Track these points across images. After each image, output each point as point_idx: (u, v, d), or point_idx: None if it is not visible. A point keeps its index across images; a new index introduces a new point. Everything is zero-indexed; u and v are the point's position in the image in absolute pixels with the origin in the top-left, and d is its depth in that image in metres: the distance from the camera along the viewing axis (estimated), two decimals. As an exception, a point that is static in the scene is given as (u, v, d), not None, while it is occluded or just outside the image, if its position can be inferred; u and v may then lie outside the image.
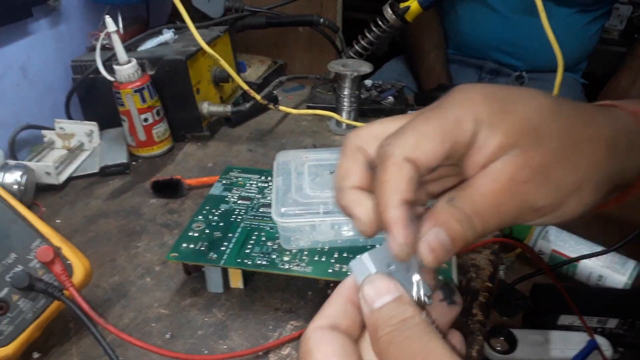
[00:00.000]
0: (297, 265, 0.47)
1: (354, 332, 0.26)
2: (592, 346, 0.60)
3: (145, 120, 0.70)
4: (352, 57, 0.82)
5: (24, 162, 0.63)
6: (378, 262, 0.26)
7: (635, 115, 0.30)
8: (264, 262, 0.47)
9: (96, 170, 0.70)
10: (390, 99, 0.83)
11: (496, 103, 0.26)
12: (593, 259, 0.73)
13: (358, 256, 0.26)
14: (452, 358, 0.22)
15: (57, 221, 0.61)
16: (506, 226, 0.27)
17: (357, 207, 0.27)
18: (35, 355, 0.44)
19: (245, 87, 0.74)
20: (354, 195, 0.27)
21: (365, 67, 0.74)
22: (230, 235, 0.50)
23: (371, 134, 0.28)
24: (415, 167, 0.25)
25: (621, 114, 0.30)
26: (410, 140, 0.25)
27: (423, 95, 0.84)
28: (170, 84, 0.73)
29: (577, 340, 0.62)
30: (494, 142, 0.25)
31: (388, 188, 0.24)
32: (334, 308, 0.26)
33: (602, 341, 0.62)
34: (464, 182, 0.26)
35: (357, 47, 0.82)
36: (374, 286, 0.25)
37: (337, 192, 0.28)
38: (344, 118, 0.77)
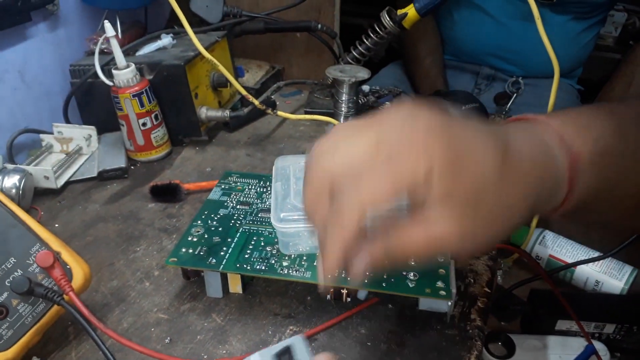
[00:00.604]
0: (296, 270, 0.47)
1: None
2: (589, 351, 0.60)
3: (144, 124, 0.71)
4: (350, 63, 0.82)
5: (22, 166, 0.63)
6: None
7: (572, 161, 0.33)
8: (263, 267, 0.47)
9: (94, 174, 0.70)
10: (388, 104, 0.83)
11: (451, 154, 0.27)
12: (590, 264, 0.73)
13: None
14: None
15: (56, 225, 0.61)
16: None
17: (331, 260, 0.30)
18: (35, 359, 0.44)
19: (244, 92, 0.74)
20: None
21: (363, 73, 0.74)
22: (229, 240, 0.50)
23: (335, 170, 0.30)
24: (363, 216, 0.28)
25: (558, 153, 0.32)
26: (365, 192, 0.28)
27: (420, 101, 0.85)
28: (168, 88, 0.73)
29: (575, 346, 0.62)
30: (439, 192, 0.27)
31: (336, 244, 0.29)
32: None
33: (599, 346, 0.62)
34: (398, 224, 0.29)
35: (354, 52, 0.82)
36: None
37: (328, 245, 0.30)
38: (341, 123, 0.78)
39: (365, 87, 0.87)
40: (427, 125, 0.28)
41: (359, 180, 0.28)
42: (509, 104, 1.21)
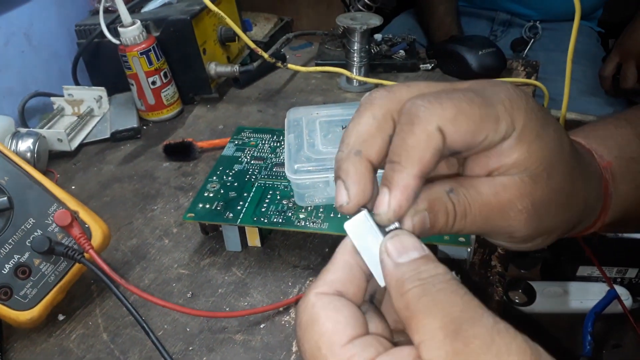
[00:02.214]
0: (313, 222, 0.47)
1: (359, 300, 0.24)
2: (611, 296, 0.60)
3: (153, 83, 0.69)
4: (361, 10, 0.79)
5: (35, 130, 0.63)
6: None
7: (604, 170, 0.32)
8: (280, 220, 0.47)
9: (107, 135, 0.69)
10: (402, 52, 0.81)
11: (534, 120, 0.25)
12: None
13: (354, 217, 0.24)
14: (487, 312, 0.20)
15: (72, 187, 0.61)
16: (472, 234, 0.27)
17: (355, 179, 0.24)
18: (61, 317, 0.45)
19: (253, 45, 0.72)
20: (362, 167, 0.24)
21: (375, 20, 0.72)
22: (245, 194, 0.50)
23: (400, 99, 0.25)
24: (443, 142, 0.23)
25: (595, 168, 0.31)
26: (449, 111, 0.23)
27: (434, 48, 0.82)
28: (176, 45, 0.71)
29: (596, 291, 0.62)
30: (516, 155, 0.25)
31: (412, 153, 0.23)
32: (339, 273, 0.24)
33: (621, 291, 0.61)
34: (464, 178, 0.26)
35: None
36: (399, 241, 0.23)
37: (345, 153, 0.25)
38: (354, 74, 0.76)
39: (378, 36, 0.85)
40: (510, 90, 0.25)
41: (440, 99, 0.23)
42: (526, 50, 1.17)
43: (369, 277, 0.24)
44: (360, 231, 0.24)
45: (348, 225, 0.24)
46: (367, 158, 0.25)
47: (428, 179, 0.24)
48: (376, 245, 0.23)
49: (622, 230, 0.49)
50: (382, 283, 0.23)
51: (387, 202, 0.23)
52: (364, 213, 0.24)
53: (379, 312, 0.25)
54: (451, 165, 0.29)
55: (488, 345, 0.19)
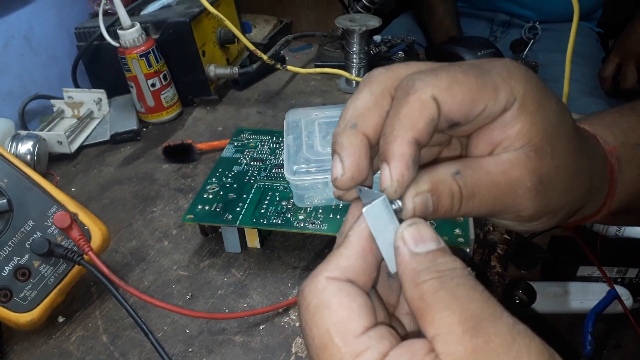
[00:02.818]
0: (313, 223, 0.47)
1: (368, 290, 0.23)
2: (611, 296, 0.59)
3: (153, 85, 0.70)
4: (360, 12, 0.79)
5: (35, 132, 0.63)
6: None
7: (609, 154, 0.31)
8: (279, 221, 0.47)
9: (107, 137, 0.69)
10: (401, 54, 0.81)
11: (534, 91, 0.24)
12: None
13: (374, 201, 0.23)
14: (506, 312, 0.20)
15: (72, 189, 0.62)
16: (480, 217, 0.25)
17: (350, 152, 0.24)
18: (60, 319, 0.45)
19: (252, 47, 0.72)
20: (357, 140, 0.24)
21: (374, 21, 0.72)
22: (244, 196, 0.50)
23: (399, 76, 0.25)
24: (438, 111, 0.23)
25: (600, 151, 0.31)
26: (444, 81, 0.23)
27: (434, 49, 0.82)
28: (175, 47, 0.71)
29: (597, 291, 0.62)
30: (519, 126, 0.24)
31: (405, 122, 0.22)
32: (353, 261, 0.23)
33: (622, 291, 0.61)
34: (470, 159, 0.25)
35: (364, 1, 0.79)
36: (417, 229, 0.22)
37: (341, 127, 0.24)
38: (353, 75, 0.76)
39: (377, 38, 0.85)
40: (508, 63, 0.25)
41: (436, 72, 0.23)
42: (526, 51, 1.17)
43: (379, 265, 0.24)
44: (377, 215, 0.23)
45: (366, 210, 0.23)
46: (363, 132, 0.24)
47: (432, 162, 0.24)
48: (391, 232, 0.23)
49: (627, 222, 0.48)
50: (393, 270, 0.23)
51: (389, 175, 0.22)
52: (384, 198, 0.23)
53: (381, 298, 0.25)
54: (454, 149, 0.28)
55: (509, 344, 0.18)
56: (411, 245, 0.22)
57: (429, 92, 0.22)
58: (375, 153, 0.25)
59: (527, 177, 0.24)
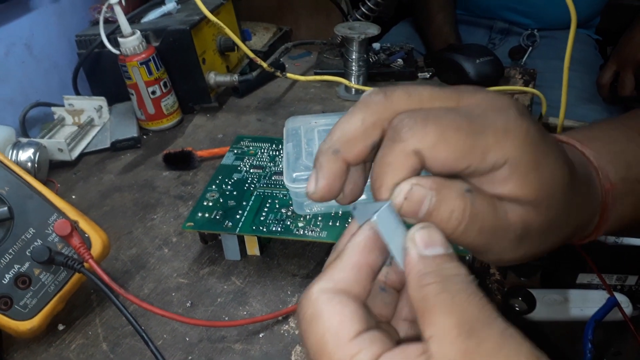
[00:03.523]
0: (312, 231, 0.47)
1: (363, 300, 0.24)
2: (611, 303, 0.60)
3: (153, 92, 0.70)
4: (359, 20, 0.80)
5: (36, 140, 0.63)
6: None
7: (606, 193, 0.32)
8: (279, 229, 0.47)
9: (107, 145, 0.70)
10: (400, 61, 0.81)
11: (531, 153, 0.24)
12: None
13: (383, 207, 0.24)
14: (500, 317, 0.21)
15: (73, 197, 0.62)
16: (468, 248, 0.27)
17: (326, 175, 0.25)
18: (61, 327, 0.45)
19: (252, 54, 0.73)
20: (335, 166, 0.25)
21: (373, 29, 0.72)
22: (244, 203, 0.50)
23: (396, 109, 0.25)
24: (421, 164, 0.24)
25: (596, 194, 0.32)
26: (430, 137, 0.23)
27: (432, 56, 0.82)
28: (175, 55, 0.72)
29: (597, 298, 0.62)
30: (510, 187, 0.24)
31: (387, 170, 0.24)
32: (346, 273, 0.23)
33: (621, 298, 0.61)
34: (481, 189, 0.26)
35: (363, 9, 0.80)
36: (428, 233, 0.23)
37: (325, 148, 0.26)
38: (353, 83, 0.76)
39: (376, 45, 0.85)
40: (516, 117, 0.24)
41: (426, 121, 0.24)
42: (525, 58, 1.17)
43: (375, 276, 0.25)
44: (386, 219, 0.24)
45: (378, 214, 0.24)
46: (344, 158, 0.25)
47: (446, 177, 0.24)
48: (400, 235, 0.23)
49: (616, 235, 0.49)
50: (402, 267, 0.23)
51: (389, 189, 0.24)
52: (389, 204, 0.24)
53: (371, 311, 0.25)
54: None
55: (500, 347, 0.20)
56: (420, 247, 0.22)
57: (413, 145, 0.23)
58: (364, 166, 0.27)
59: (519, 226, 0.25)
